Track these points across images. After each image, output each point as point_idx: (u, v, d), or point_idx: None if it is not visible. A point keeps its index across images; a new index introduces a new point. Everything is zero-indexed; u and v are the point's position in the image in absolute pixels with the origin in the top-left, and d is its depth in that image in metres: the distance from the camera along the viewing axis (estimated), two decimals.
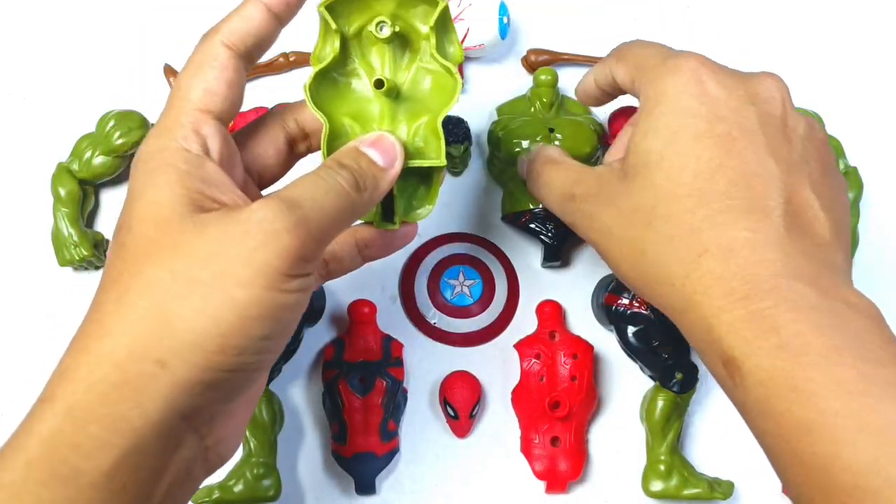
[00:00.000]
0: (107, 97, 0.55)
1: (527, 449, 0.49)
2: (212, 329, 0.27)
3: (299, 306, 0.30)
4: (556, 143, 0.51)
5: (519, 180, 0.52)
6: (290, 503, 0.49)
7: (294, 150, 0.38)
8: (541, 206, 0.50)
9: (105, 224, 0.54)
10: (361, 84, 0.37)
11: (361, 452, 0.47)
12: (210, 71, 0.32)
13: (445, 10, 0.35)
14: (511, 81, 0.56)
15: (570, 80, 0.56)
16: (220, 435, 0.31)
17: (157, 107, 0.54)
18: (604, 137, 0.54)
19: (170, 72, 0.54)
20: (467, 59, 0.57)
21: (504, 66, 0.57)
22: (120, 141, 0.51)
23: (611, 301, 0.50)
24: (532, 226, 0.51)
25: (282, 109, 0.37)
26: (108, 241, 0.53)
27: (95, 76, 0.56)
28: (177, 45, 0.56)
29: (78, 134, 0.52)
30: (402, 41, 0.36)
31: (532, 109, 0.53)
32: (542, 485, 0.49)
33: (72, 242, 0.50)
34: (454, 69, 0.36)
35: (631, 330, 0.49)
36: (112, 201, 0.54)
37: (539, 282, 0.53)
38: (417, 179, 0.38)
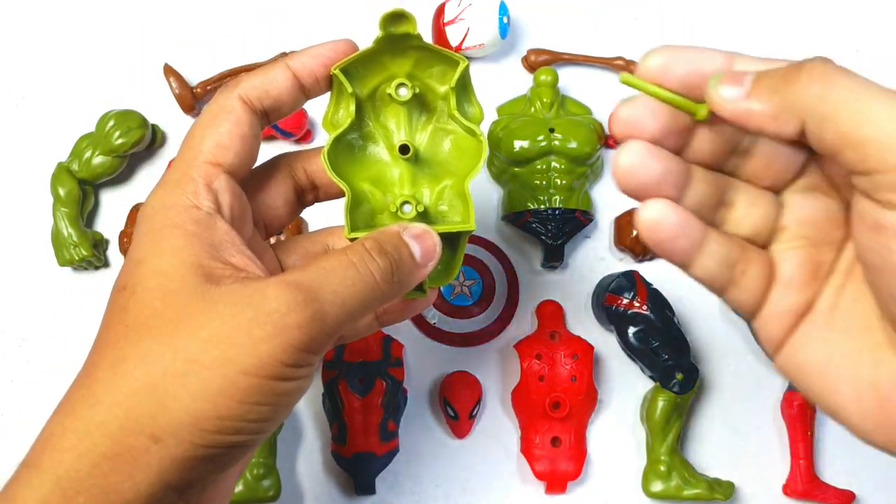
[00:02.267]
0: (107, 97, 0.55)
1: (527, 449, 0.49)
2: (210, 411, 0.26)
3: (301, 391, 0.29)
4: (556, 142, 0.51)
5: (520, 181, 0.52)
6: (289, 503, 0.49)
7: (302, 199, 0.36)
8: (542, 206, 0.51)
9: (105, 224, 0.54)
10: (377, 147, 0.35)
11: (361, 453, 0.47)
12: (224, 124, 0.31)
13: (465, 71, 0.34)
14: (511, 81, 0.56)
15: (570, 80, 0.56)
16: (209, 502, 0.30)
17: (156, 107, 0.55)
18: (604, 137, 0.54)
19: (170, 72, 0.54)
20: (468, 59, 0.57)
21: (504, 66, 0.57)
22: (120, 141, 0.51)
23: (611, 301, 0.50)
24: (532, 226, 0.51)
25: (291, 158, 0.36)
26: (107, 240, 0.53)
27: (95, 76, 0.56)
28: (177, 45, 0.57)
29: (78, 134, 0.52)
30: (417, 101, 0.35)
31: (532, 109, 0.53)
32: (542, 485, 0.49)
33: (71, 242, 0.50)
34: (479, 131, 0.34)
35: (631, 330, 0.49)
36: (112, 201, 0.54)
37: (539, 282, 0.53)
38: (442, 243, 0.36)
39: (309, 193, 0.36)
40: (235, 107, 0.32)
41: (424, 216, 0.34)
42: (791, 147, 0.29)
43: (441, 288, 0.52)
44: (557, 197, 0.51)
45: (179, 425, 0.26)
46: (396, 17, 0.32)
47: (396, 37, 0.33)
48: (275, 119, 0.33)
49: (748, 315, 0.30)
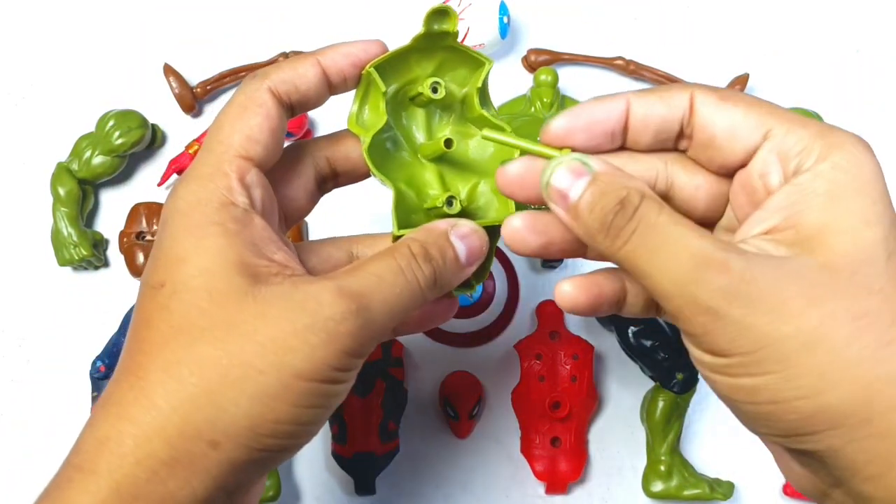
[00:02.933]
0: (106, 97, 0.55)
1: (527, 449, 0.49)
2: (267, 415, 0.27)
3: (346, 392, 0.30)
4: None
5: None
6: (289, 503, 0.49)
7: (322, 188, 0.36)
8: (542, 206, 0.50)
9: (104, 224, 0.54)
10: (402, 148, 0.35)
11: (361, 453, 0.47)
12: (254, 117, 0.31)
13: (489, 72, 0.34)
14: (511, 81, 0.56)
15: (570, 80, 0.56)
16: (250, 500, 0.31)
17: (156, 107, 0.55)
18: None
19: (170, 71, 0.54)
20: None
21: (504, 66, 0.57)
22: (119, 141, 0.51)
23: None
24: None
25: (312, 148, 0.35)
26: (107, 240, 0.53)
27: (95, 76, 0.56)
28: (177, 45, 0.57)
29: (77, 133, 0.52)
30: (437, 104, 0.35)
31: (532, 109, 0.53)
32: (542, 485, 0.49)
33: (71, 242, 0.50)
34: (509, 129, 0.33)
35: (631, 330, 0.49)
36: (112, 201, 0.54)
37: (539, 282, 0.53)
38: None
39: (329, 181, 0.36)
40: (266, 99, 0.31)
41: (463, 213, 0.34)
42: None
43: None
44: None
45: (238, 430, 0.27)
46: (440, 14, 0.32)
47: (433, 35, 0.33)
48: (298, 113, 0.33)
49: None
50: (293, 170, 0.34)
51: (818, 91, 0.57)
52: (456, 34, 0.33)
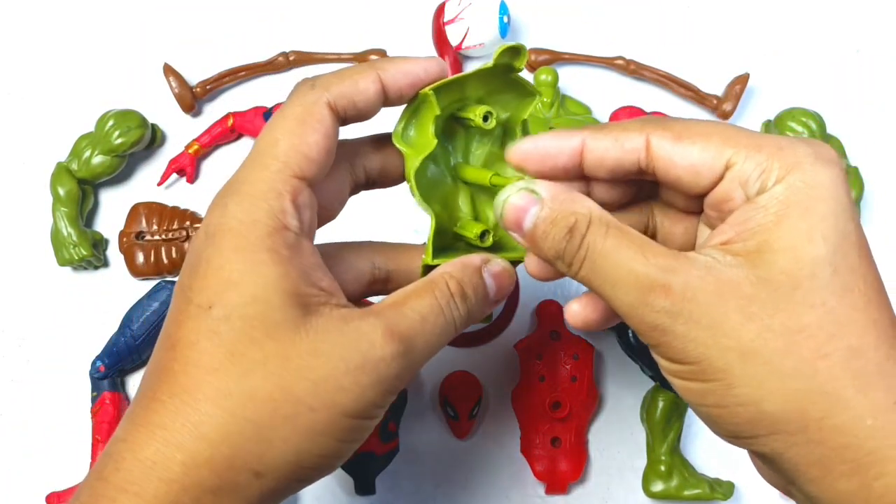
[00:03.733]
0: (106, 97, 0.55)
1: (527, 449, 0.49)
2: (313, 451, 0.28)
3: (379, 419, 0.31)
4: None
5: None
6: (289, 503, 0.49)
7: (352, 192, 0.35)
8: None
9: (104, 224, 0.54)
10: (438, 167, 0.35)
11: (361, 452, 0.47)
12: (312, 134, 0.29)
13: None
14: None
15: (570, 80, 0.56)
16: None
17: (156, 106, 0.55)
18: None
19: (169, 71, 0.54)
20: (467, 58, 0.57)
21: None
22: (119, 140, 0.51)
23: None
24: None
25: (347, 153, 0.34)
26: (107, 240, 0.53)
27: (95, 76, 0.56)
28: (177, 45, 0.57)
29: (77, 133, 0.52)
30: (479, 126, 0.34)
31: (532, 109, 0.53)
32: (542, 485, 0.49)
33: (71, 242, 0.50)
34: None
35: (632, 330, 0.49)
36: (111, 201, 0.54)
37: (539, 282, 0.53)
38: None
39: (361, 187, 0.35)
40: (325, 115, 0.30)
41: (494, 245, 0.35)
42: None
43: None
44: None
45: (284, 464, 0.27)
46: (514, 52, 0.32)
47: (500, 67, 0.33)
48: (348, 124, 0.32)
49: None
50: (329, 177, 0.33)
51: (818, 91, 0.57)
52: (521, 68, 0.33)
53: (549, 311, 0.51)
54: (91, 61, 0.56)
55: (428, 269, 0.34)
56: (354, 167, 0.34)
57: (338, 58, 0.56)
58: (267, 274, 0.28)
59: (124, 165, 0.53)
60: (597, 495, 0.50)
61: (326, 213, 0.34)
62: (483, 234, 0.34)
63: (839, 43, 0.58)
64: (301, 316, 0.28)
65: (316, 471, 0.28)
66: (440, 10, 0.54)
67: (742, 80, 0.55)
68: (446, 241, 0.35)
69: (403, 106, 0.33)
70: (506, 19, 0.54)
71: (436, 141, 0.33)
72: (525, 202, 0.29)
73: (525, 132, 0.35)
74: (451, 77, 0.32)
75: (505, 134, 0.35)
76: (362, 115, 0.31)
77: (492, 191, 0.35)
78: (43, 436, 0.50)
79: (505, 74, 0.33)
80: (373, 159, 0.34)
